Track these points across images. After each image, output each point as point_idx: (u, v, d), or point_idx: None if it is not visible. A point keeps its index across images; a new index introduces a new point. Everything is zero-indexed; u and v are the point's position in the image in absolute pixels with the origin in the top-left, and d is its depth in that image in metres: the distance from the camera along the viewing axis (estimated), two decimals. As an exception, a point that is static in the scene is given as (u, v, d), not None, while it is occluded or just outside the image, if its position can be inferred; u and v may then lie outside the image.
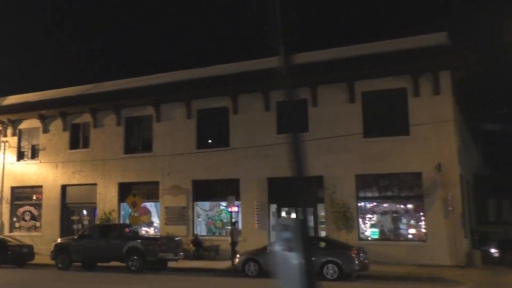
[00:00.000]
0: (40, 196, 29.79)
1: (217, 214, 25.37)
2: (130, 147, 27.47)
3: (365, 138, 21.94)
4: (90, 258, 20.59)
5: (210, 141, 25.41)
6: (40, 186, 29.57)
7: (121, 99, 27.20)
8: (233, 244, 21.91)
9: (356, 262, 16.21)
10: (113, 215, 26.66)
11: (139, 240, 19.82)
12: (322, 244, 17.47)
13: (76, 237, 21.33)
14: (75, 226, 28.67)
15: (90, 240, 20.58)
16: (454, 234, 19.97)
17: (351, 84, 22.32)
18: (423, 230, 20.80)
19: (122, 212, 27.19)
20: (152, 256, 19.22)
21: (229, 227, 24.81)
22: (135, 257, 19.27)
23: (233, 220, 22.61)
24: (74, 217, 28.79)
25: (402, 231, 21.37)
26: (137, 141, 27.46)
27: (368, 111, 22.14)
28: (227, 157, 24.55)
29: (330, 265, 16.29)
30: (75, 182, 28.53)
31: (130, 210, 26.76)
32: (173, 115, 26.28)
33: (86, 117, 28.67)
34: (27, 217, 30.04)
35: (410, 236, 21.19)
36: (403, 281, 16.29)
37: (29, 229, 29.78)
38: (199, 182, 25.25)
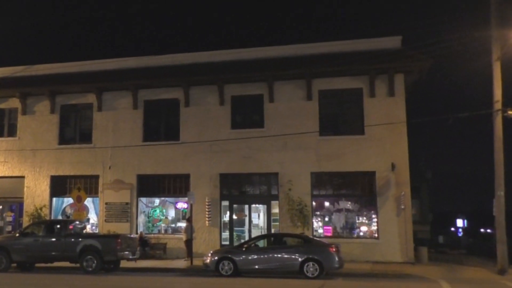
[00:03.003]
0: (-48, 188, 26.64)
1: (163, 210, 24.37)
2: (65, 138, 25.43)
3: (321, 136, 22.24)
4: (35, 258, 18.68)
5: (158, 134, 24.27)
6: (-46, 178, 26.45)
7: (56, 84, 25.08)
8: (189, 241, 21.22)
9: (337, 259, 16.34)
10: (44, 211, 24.57)
11: (96, 238, 18.40)
12: (300, 242, 17.40)
13: (17, 234, 19.29)
14: (-4, 223, 26.09)
15: (36, 238, 18.70)
16: (405, 231, 20.91)
17: (308, 82, 22.48)
18: (376, 228, 21.55)
19: (53, 208, 25.17)
20: (111, 255, 17.91)
21: (176, 225, 24.10)
22: (90, 257, 17.85)
23: (188, 216, 21.86)
24: (-5, 213, 26.15)
25: (355, 229, 21.98)
26: (74, 131, 25.49)
27: (325, 109, 22.47)
28: (177, 151, 23.65)
29: (310, 263, 16.24)
30: (-2, 174, 25.91)
31: (65, 205, 25.16)
32: (117, 104, 24.75)
33: (13, 102, 26.07)
34: None
35: (362, 234, 21.87)
36: (375, 278, 16.71)
37: None
38: (145, 177, 24.07)
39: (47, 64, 25.70)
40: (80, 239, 18.27)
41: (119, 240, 18.08)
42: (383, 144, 21.53)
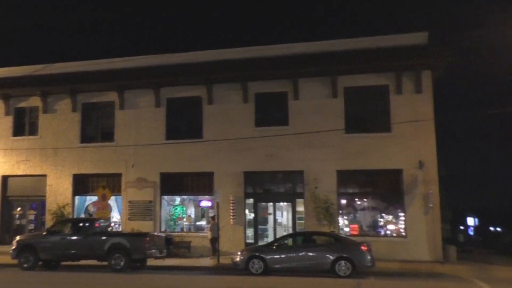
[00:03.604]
0: (-26, 187, 26.61)
1: (187, 209, 24.24)
2: (87, 136, 25.35)
3: (347, 134, 22.02)
4: (62, 256, 18.58)
5: (180, 132, 24.10)
6: (-25, 177, 26.42)
7: (77, 82, 24.98)
8: (214, 239, 21.11)
9: (369, 257, 16.15)
10: (67, 209, 24.49)
11: (124, 236, 18.28)
12: (331, 240, 17.21)
13: (44, 233, 19.19)
14: (18, 221, 26.03)
15: (63, 236, 18.61)
16: (433, 230, 20.69)
17: (333, 79, 22.27)
18: (403, 226, 21.32)
19: (76, 206, 25.09)
20: (139, 253, 17.79)
21: (200, 223, 23.97)
22: (118, 255, 17.73)
23: (213, 214, 21.73)
24: (17, 211, 26.07)
25: (382, 227, 21.76)
26: (96, 129, 25.40)
27: (350, 106, 22.25)
28: (200, 149, 23.49)
29: (342, 262, 16.06)
30: (19, 172, 25.83)
31: (88, 203, 25.10)
32: (139, 102, 24.65)
33: (34, 101, 26.05)
34: (-43, 211, 26.67)
35: (389, 232, 21.63)
36: (408, 277, 16.49)
37: (-42, 224, 26.49)
38: (168, 175, 23.94)
39: (67, 62, 25.54)
40: (107, 237, 18.17)
41: (147, 238, 17.96)
42: (410, 141, 21.29)
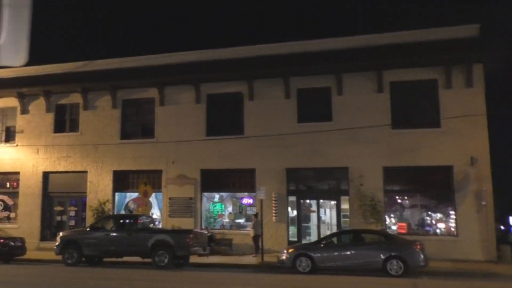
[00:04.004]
0: (16, 183, 26.84)
1: (228, 206, 23.90)
2: (127, 132, 25.27)
3: (393, 130, 21.32)
4: (105, 252, 18.48)
5: (221, 128, 23.75)
6: (17, 173, 26.61)
7: (118, 79, 24.91)
8: (256, 237, 20.72)
9: (422, 257, 15.49)
10: (108, 206, 24.43)
11: (168, 233, 18.02)
12: (381, 238, 16.60)
13: (87, 229, 19.11)
14: (58, 218, 26.12)
15: (107, 233, 18.48)
16: (486, 228, 19.83)
17: (379, 73, 21.61)
18: (453, 225, 20.51)
19: (116, 203, 25.03)
20: (183, 250, 17.53)
21: (241, 220, 23.59)
22: (162, 252, 17.47)
23: (256, 212, 21.33)
24: (58, 208, 26.17)
25: (431, 226, 20.99)
26: (136, 125, 25.29)
27: (397, 101, 21.53)
28: (241, 146, 23.11)
29: (394, 261, 15.45)
30: (60, 169, 25.91)
31: (128, 200, 25.01)
32: (179, 99, 24.42)
33: (75, 98, 26.10)
34: (-1, 207, 26.98)
35: (439, 231, 20.85)
36: (463, 277, 15.75)
37: (1, 220, 26.72)
38: (209, 172, 23.62)
39: (108, 59, 25.51)
40: (151, 234, 17.97)
41: (192, 236, 17.67)
42: (461, 137, 20.46)
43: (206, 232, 19.37)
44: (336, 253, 16.42)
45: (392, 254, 15.55)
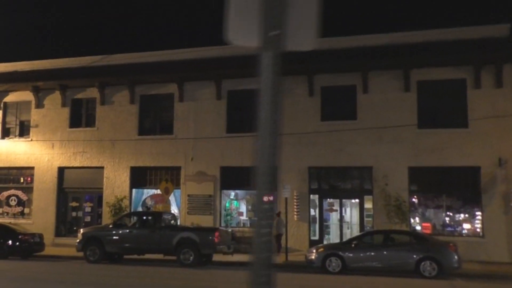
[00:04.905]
0: (30, 178, 26.45)
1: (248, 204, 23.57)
2: (145, 128, 24.89)
3: (420, 129, 21.00)
4: (128, 249, 18.12)
5: (242, 125, 23.39)
6: (31, 168, 26.22)
7: (136, 74, 24.52)
8: (278, 236, 20.42)
9: (456, 258, 15.20)
10: (125, 202, 24.06)
11: (193, 231, 17.69)
12: (413, 239, 16.31)
13: (110, 226, 18.75)
14: (73, 213, 25.75)
15: (130, 230, 18.14)
16: (513, 230, 19.55)
17: (406, 72, 21.30)
18: (479, 226, 20.22)
19: (133, 199, 24.67)
20: (209, 248, 17.20)
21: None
22: (187, 250, 17.12)
23: (278, 210, 20.99)
24: (73, 203, 25.80)
25: (457, 227, 20.70)
26: (154, 121, 24.92)
27: (424, 101, 21.20)
28: (263, 143, 22.72)
29: (427, 262, 15.15)
30: (76, 164, 25.52)
31: (145, 196, 24.67)
32: (199, 95, 24.06)
33: (91, 92, 25.70)
34: (13, 202, 26.55)
35: (465, 232, 20.56)
36: (495, 280, 15.49)
37: (15, 215, 26.34)
38: (229, 169, 23.26)
39: (126, 53, 25.13)
40: (176, 232, 17.64)
41: (218, 233, 17.35)
42: (489, 138, 20.17)
43: (230, 230, 19.05)
44: (367, 254, 16.15)
45: (426, 255, 15.27)
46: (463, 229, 20.59)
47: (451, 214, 20.82)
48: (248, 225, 23.14)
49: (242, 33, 3.02)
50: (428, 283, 14.47)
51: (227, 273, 16.29)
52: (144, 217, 18.67)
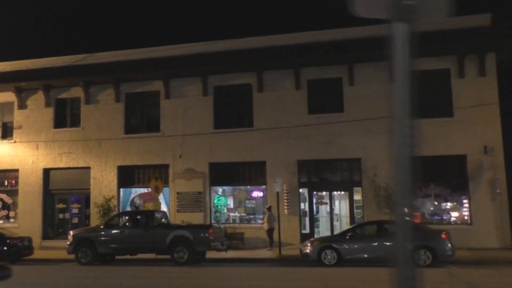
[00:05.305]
0: (14, 181, 26.03)
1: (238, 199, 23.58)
2: (131, 126, 24.68)
3: (406, 120, 21.19)
4: (121, 249, 17.98)
5: (230, 120, 23.36)
6: (16, 170, 25.79)
7: (121, 72, 24.26)
8: (270, 230, 20.51)
9: (449, 246, 15.46)
10: (113, 202, 23.85)
11: (186, 229, 17.64)
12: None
13: (102, 226, 18.59)
14: (60, 215, 25.44)
15: (122, 230, 18.02)
16: (500, 216, 19.94)
17: (391, 63, 21.43)
18: (467, 213, 20.59)
19: (121, 199, 24.48)
20: (203, 246, 17.18)
21: (253, 214, 23.33)
22: (181, 248, 17.09)
23: (268, 205, 21.08)
24: (60, 205, 25.47)
25: (445, 215, 21.04)
26: (141, 119, 24.73)
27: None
28: (251, 138, 22.78)
29: (421, 251, 15.36)
30: (62, 165, 25.19)
31: (133, 195, 24.52)
32: (185, 91, 23.94)
33: (76, 92, 25.36)
34: (-2, 206, 26.12)
35: (453, 220, 20.91)
36: (489, 265, 15.78)
37: (0, 219, 25.93)
38: (218, 165, 23.24)
39: (110, 51, 24.81)
40: (169, 230, 17.58)
41: (211, 230, 17.34)
42: (474, 126, 20.51)
43: (223, 227, 19.06)
44: (362, 245, 16.33)
45: (420, 244, 15.44)
46: (451, 217, 20.95)
47: (439, 202, 21.14)
48: (238, 221, 23.16)
49: (370, 4, 2.84)
50: (425, 271, 14.67)
51: (222, 269, 16.34)
52: (137, 217, 18.53)
